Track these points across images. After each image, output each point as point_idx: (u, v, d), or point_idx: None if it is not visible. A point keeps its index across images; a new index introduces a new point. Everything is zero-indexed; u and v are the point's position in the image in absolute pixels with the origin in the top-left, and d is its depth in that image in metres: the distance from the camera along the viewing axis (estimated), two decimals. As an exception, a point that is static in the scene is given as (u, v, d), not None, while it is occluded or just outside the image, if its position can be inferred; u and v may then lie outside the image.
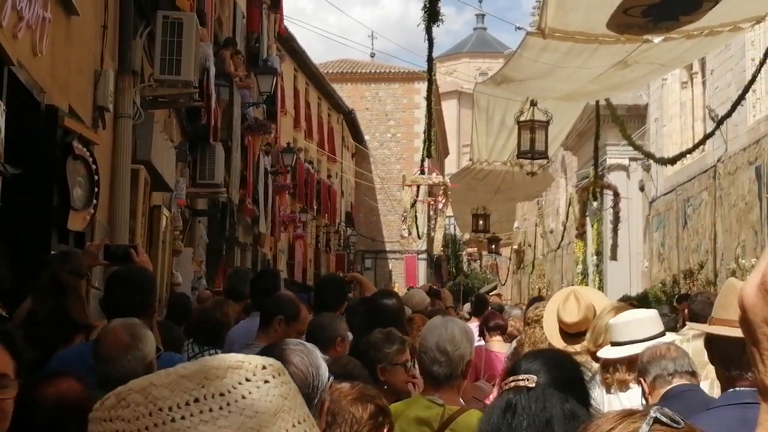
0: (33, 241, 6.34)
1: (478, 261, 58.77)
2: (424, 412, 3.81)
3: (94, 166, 7.03)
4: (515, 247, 42.75)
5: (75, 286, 4.71)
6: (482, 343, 8.55)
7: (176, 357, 4.52)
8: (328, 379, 2.56)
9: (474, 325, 10.62)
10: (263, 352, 2.44)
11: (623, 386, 4.42)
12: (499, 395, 2.61)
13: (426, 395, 3.95)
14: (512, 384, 2.56)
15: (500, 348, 8.20)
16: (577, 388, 2.62)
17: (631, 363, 4.26)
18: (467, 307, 16.93)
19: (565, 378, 2.60)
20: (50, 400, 2.86)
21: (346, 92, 43.16)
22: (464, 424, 3.77)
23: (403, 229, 26.56)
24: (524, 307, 9.46)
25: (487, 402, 7.34)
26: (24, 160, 5.92)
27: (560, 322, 5.38)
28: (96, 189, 7.06)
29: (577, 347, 5.11)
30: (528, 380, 2.52)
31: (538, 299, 7.22)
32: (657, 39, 10.54)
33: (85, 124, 7.56)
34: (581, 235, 24.68)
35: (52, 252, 6.13)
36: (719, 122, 15.59)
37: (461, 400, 4.15)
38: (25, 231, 6.15)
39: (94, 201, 7.06)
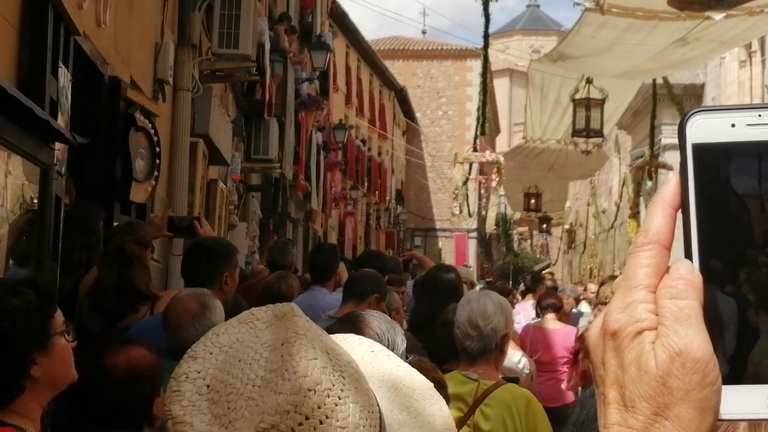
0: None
1: (529, 240, 58.61)
2: (459, 388, 3.77)
3: (155, 138, 7.07)
4: (566, 226, 42.46)
5: (140, 256, 4.75)
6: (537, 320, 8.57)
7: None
8: (407, 356, 2.56)
9: (530, 303, 10.60)
10: (345, 318, 2.45)
11: None
12: None
13: (461, 370, 3.92)
14: None
15: (554, 325, 8.18)
16: None
17: None
18: (520, 286, 16.91)
19: None
20: (121, 366, 2.90)
21: (397, 69, 43.06)
22: (499, 399, 3.74)
23: (454, 207, 26.49)
24: (589, 287, 9.41)
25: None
26: (88, 130, 5.97)
27: None
28: (157, 161, 7.10)
29: None
30: None
31: (612, 278, 7.16)
32: (718, 16, 10.38)
33: (146, 96, 7.61)
34: (635, 215, 24.42)
35: (115, 223, 6.19)
36: (780, 101, 15.32)
37: (498, 375, 4.11)
38: (82, 198, 6.20)
39: (156, 173, 7.10)
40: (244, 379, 1.06)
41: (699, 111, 0.75)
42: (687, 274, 0.73)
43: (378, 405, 1.13)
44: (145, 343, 3.14)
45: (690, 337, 0.71)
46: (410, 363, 3.00)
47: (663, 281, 0.73)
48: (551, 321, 8.34)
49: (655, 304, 0.73)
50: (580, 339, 6.64)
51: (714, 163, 0.73)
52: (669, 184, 0.76)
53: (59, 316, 2.57)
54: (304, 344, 1.06)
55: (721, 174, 0.74)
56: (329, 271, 6.38)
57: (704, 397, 0.70)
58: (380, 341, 2.49)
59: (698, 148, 0.74)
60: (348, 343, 1.31)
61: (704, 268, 0.73)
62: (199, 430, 1.06)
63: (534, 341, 8.07)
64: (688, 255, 0.74)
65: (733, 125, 0.74)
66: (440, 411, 1.29)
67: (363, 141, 33.56)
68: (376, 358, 1.31)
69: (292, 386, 1.02)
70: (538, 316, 8.85)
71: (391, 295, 5.65)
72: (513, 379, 4.77)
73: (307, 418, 1.03)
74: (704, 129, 0.74)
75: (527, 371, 6.13)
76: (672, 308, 0.72)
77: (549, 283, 12.96)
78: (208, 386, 1.08)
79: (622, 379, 0.72)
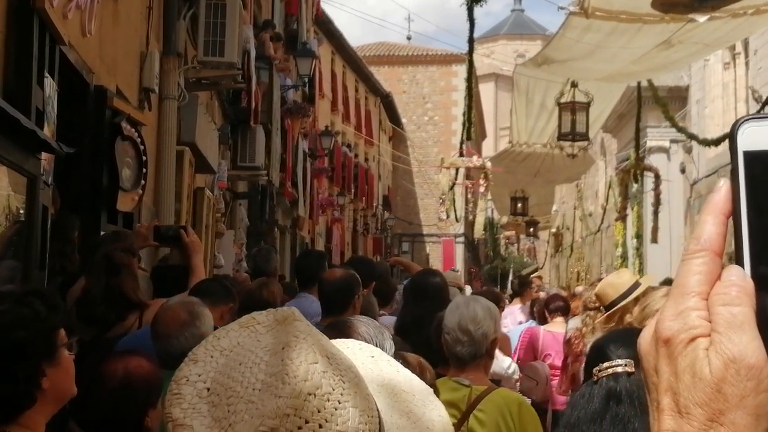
0: (83, 221, 6.38)
1: (516, 244, 58.69)
2: (451, 395, 3.75)
3: (142, 147, 7.06)
4: (553, 230, 42.59)
5: (128, 265, 4.74)
6: (531, 323, 8.53)
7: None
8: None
9: (517, 307, 10.61)
10: (333, 324, 2.45)
11: None
12: (594, 383, 2.55)
13: (452, 377, 3.91)
14: (610, 371, 2.50)
15: (561, 329, 8.10)
16: None
17: None
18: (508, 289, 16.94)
19: None
20: (118, 375, 2.90)
21: (383, 75, 43.07)
22: (492, 404, 3.75)
23: (441, 212, 26.53)
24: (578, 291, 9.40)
25: (533, 380, 7.34)
26: (74, 140, 5.96)
27: None
28: (144, 170, 7.09)
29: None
30: (626, 365, 2.48)
31: (599, 280, 7.14)
32: (702, 18, 10.44)
33: (132, 105, 7.60)
34: (623, 218, 24.53)
35: (102, 232, 6.18)
36: (764, 103, 15.41)
37: (489, 380, 4.12)
38: (76, 211, 6.19)
39: (142, 182, 7.09)
40: (244, 382, 1.07)
41: (750, 118, 0.76)
42: (739, 280, 0.73)
43: (378, 409, 1.14)
44: (146, 354, 3.15)
45: (744, 343, 0.71)
46: (411, 360, 3.00)
47: (715, 288, 0.74)
48: (559, 324, 8.25)
49: (707, 311, 0.74)
50: (568, 343, 6.65)
51: (765, 170, 0.74)
52: (720, 191, 0.76)
53: (62, 329, 2.57)
54: (305, 348, 1.07)
55: None
56: (316, 278, 6.34)
57: (759, 403, 0.70)
58: (368, 346, 2.50)
59: (749, 155, 0.74)
60: (348, 348, 1.32)
61: (755, 275, 0.74)
62: None
63: (545, 345, 8.00)
64: (739, 261, 0.74)
65: None
66: (439, 416, 1.30)
67: (349, 147, 33.55)
68: (376, 363, 1.32)
69: (292, 390, 1.03)
70: (534, 318, 8.84)
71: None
72: (496, 381, 4.78)
73: (306, 422, 1.03)
74: (755, 136, 0.75)
75: (516, 376, 6.14)
76: (725, 315, 0.72)
77: (536, 289, 12.99)
78: (208, 389, 1.08)
79: (676, 386, 0.73)
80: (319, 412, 1.04)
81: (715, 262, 0.75)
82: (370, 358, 1.33)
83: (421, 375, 2.92)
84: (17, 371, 2.36)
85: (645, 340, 0.77)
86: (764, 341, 0.72)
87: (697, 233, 0.76)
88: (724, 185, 0.76)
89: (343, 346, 1.31)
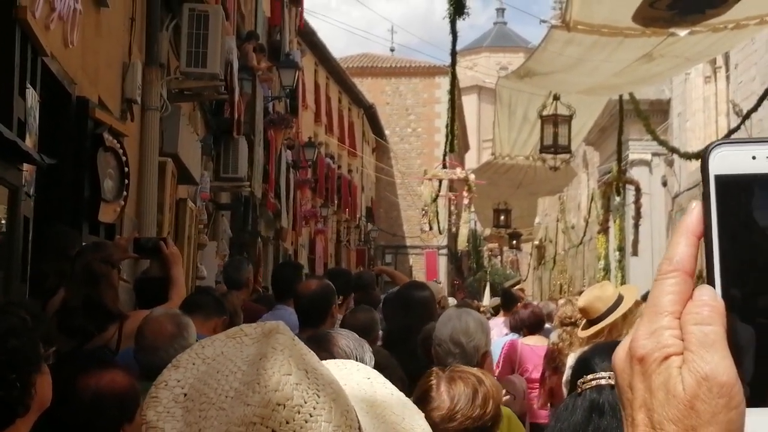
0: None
1: (499, 257, 58.72)
2: None
3: (124, 158, 7.06)
4: (536, 242, 42.67)
5: (107, 275, 4.71)
6: (513, 336, 8.48)
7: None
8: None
9: (501, 320, 10.60)
10: (313, 337, 2.46)
11: None
12: (577, 395, 2.56)
13: None
14: (593, 383, 2.52)
15: (539, 342, 8.02)
16: None
17: None
18: (492, 301, 16.90)
19: None
20: (89, 391, 2.89)
21: (366, 87, 43.15)
22: None
23: (424, 224, 26.50)
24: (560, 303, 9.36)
25: (510, 395, 7.33)
26: (56, 151, 5.95)
27: None
28: (126, 181, 7.08)
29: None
30: (610, 377, 2.48)
31: (579, 293, 7.10)
32: (683, 32, 10.51)
33: (114, 116, 7.60)
34: (604, 230, 24.60)
35: (84, 243, 6.15)
36: (745, 117, 15.50)
37: None
38: (57, 222, 6.17)
39: (125, 193, 7.08)
40: (218, 389, 1.08)
41: (721, 143, 0.78)
42: (711, 300, 0.76)
43: (359, 428, 1.14)
44: (122, 367, 3.13)
45: (716, 362, 0.73)
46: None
47: (688, 307, 0.76)
48: (537, 338, 8.15)
49: (680, 330, 0.76)
50: (548, 357, 6.65)
51: (736, 194, 0.77)
52: (692, 213, 0.79)
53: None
54: (280, 359, 1.08)
55: (742, 205, 0.77)
56: (292, 289, 6.29)
57: (730, 419, 0.73)
58: (348, 359, 2.50)
59: (720, 180, 0.77)
60: (345, 368, 1.33)
61: (725, 296, 0.76)
62: None
63: (523, 359, 7.92)
64: (710, 282, 0.76)
65: (754, 157, 0.77)
66: None
67: (332, 158, 33.56)
68: (372, 385, 1.33)
69: (261, 399, 1.04)
70: (514, 331, 8.81)
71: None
72: None
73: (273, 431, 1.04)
74: (726, 161, 0.77)
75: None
76: (698, 334, 0.74)
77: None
78: (185, 395, 1.09)
79: (651, 402, 0.75)
80: (287, 423, 1.04)
81: (687, 282, 0.77)
82: (366, 380, 1.35)
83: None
84: (14, 379, 2.36)
85: (620, 357, 0.79)
86: (735, 360, 0.74)
87: (670, 254, 0.78)
88: (696, 207, 0.78)
89: (342, 366, 1.34)
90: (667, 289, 0.77)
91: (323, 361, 1.28)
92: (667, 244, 0.80)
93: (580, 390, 2.55)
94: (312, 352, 1.18)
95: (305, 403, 1.06)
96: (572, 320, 6.08)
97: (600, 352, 2.68)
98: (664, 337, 0.75)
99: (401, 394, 1.36)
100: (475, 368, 3.35)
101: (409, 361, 4.44)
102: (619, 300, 5.38)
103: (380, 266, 16.70)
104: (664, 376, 0.74)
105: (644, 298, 10.04)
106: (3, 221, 4.99)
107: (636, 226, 22.71)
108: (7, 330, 2.40)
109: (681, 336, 0.75)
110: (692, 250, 0.78)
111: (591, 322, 5.38)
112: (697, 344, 0.74)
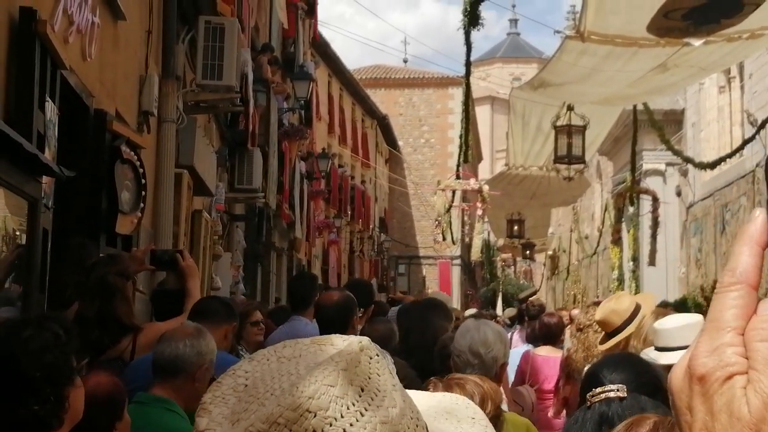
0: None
1: (513, 267, 58.64)
2: None
3: (141, 170, 7.09)
4: (550, 252, 42.58)
5: (121, 288, 4.74)
6: (528, 347, 8.46)
7: (229, 358, 4.55)
8: None
9: (517, 332, 10.59)
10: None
11: None
12: (587, 408, 2.56)
13: None
14: (602, 396, 2.52)
15: (548, 353, 7.99)
16: (663, 391, 2.60)
17: None
18: (507, 312, 16.89)
19: (651, 383, 2.58)
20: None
21: (379, 98, 43.20)
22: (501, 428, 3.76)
23: (437, 234, 26.51)
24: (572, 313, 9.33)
25: (519, 406, 7.31)
26: (74, 163, 5.98)
27: None
28: (143, 193, 7.11)
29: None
30: (619, 390, 2.50)
31: (595, 304, 7.06)
32: (697, 42, 10.48)
33: (131, 128, 7.64)
34: (617, 240, 24.55)
35: (101, 255, 6.18)
36: (760, 126, 15.47)
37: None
38: (75, 234, 6.20)
39: (141, 205, 7.10)
40: (270, 386, 1.09)
41: None
42: None
43: None
44: (105, 370, 3.19)
45: None
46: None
47: (751, 323, 0.71)
48: (549, 348, 8.09)
49: (744, 347, 0.70)
50: (562, 366, 6.63)
51: None
52: (756, 221, 0.74)
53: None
54: (329, 370, 1.08)
55: None
56: (309, 300, 6.31)
57: None
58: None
59: None
60: (457, 404, 1.37)
61: None
62: (213, 419, 1.09)
63: (534, 370, 7.87)
64: None
65: None
66: None
67: (345, 169, 33.60)
68: (474, 425, 1.37)
69: (292, 402, 1.04)
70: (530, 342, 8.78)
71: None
72: None
73: None
74: None
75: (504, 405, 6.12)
76: (764, 351, 0.69)
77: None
78: (246, 386, 1.11)
79: (712, 426, 0.70)
80: (314, 431, 1.05)
81: (751, 296, 0.72)
82: (470, 419, 1.37)
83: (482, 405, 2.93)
84: (49, 394, 2.39)
85: (677, 376, 0.73)
86: None
87: (732, 265, 0.73)
88: (760, 215, 0.74)
89: (454, 399, 1.38)
90: (729, 302, 0.71)
91: (439, 393, 1.31)
92: (729, 254, 0.74)
93: (589, 403, 2.55)
94: (393, 375, 1.17)
95: (341, 417, 1.06)
96: (580, 327, 6.07)
97: (608, 365, 2.68)
98: (727, 355, 0.70)
99: None
100: (476, 375, 3.37)
101: (426, 372, 4.45)
102: (636, 311, 5.37)
103: (401, 294, 16.76)
104: (727, 397, 0.69)
105: (662, 305, 9.99)
106: (23, 233, 5.02)
107: (654, 236, 22.64)
108: (42, 346, 2.43)
109: (745, 354, 0.70)
110: (756, 261, 0.72)
111: (609, 335, 5.37)
112: (764, 362, 0.68)
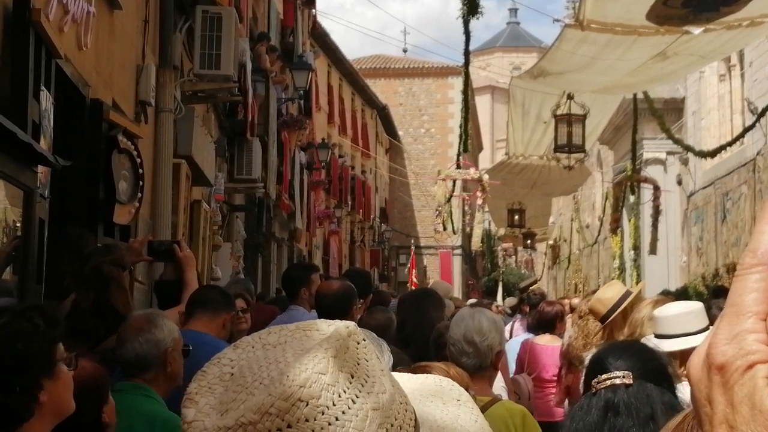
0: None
1: (514, 256, 58.68)
2: None
3: (138, 160, 7.06)
4: (551, 242, 42.60)
5: (117, 278, 4.72)
6: (529, 336, 8.44)
7: (224, 347, 4.53)
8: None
9: (518, 321, 10.58)
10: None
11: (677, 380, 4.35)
12: (592, 394, 2.56)
13: None
14: (608, 383, 2.52)
15: (548, 341, 7.95)
16: (668, 378, 2.60)
17: (684, 356, 4.10)
18: (509, 301, 16.89)
19: (656, 370, 2.57)
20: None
21: (379, 88, 43.13)
22: (496, 415, 3.74)
23: (438, 224, 26.49)
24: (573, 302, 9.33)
25: (516, 394, 7.31)
26: (70, 153, 5.96)
27: None
28: (141, 183, 7.08)
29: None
30: (624, 377, 2.49)
31: (594, 292, 7.04)
32: (697, 30, 10.46)
33: (128, 118, 7.61)
34: (616, 229, 24.54)
35: (98, 245, 6.17)
36: (760, 115, 15.44)
37: (493, 391, 4.12)
38: (72, 224, 6.18)
39: (139, 195, 7.08)
40: (258, 375, 1.08)
41: None
42: None
43: None
44: (89, 357, 3.20)
45: None
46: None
47: None
48: (548, 337, 8.06)
49: (766, 333, 0.66)
50: (563, 355, 6.64)
51: None
52: None
53: (61, 344, 2.58)
54: (319, 357, 1.06)
55: None
56: (301, 289, 6.27)
57: None
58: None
59: None
60: (442, 386, 1.37)
61: None
62: (200, 410, 1.07)
63: (532, 358, 7.85)
64: None
65: None
66: None
67: (345, 159, 33.57)
68: (459, 407, 1.35)
69: (284, 392, 1.03)
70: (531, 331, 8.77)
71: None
72: None
73: (289, 426, 1.02)
74: None
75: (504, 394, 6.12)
76: None
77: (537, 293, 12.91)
78: (232, 374, 1.10)
79: (733, 418, 0.65)
80: (306, 420, 1.03)
81: None
82: (456, 401, 1.36)
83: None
84: (16, 384, 2.37)
85: (695, 365, 0.69)
86: None
87: (754, 245, 0.67)
88: None
89: (438, 381, 1.37)
90: (750, 286, 0.66)
91: (422, 375, 1.29)
92: (751, 234, 0.68)
93: (594, 390, 2.54)
94: (380, 360, 1.16)
95: (333, 405, 1.04)
96: (581, 315, 6.11)
97: (614, 351, 2.67)
98: (748, 342, 0.65)
99: (486, 423, 1.36)
100: (443, 362, 3.38)
101: (423, 361, 4.45)
102: (624, 298, 5.40)
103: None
104: (749, 387, 0.64)
105: (663, 294, 9.99)
106: (18, 224, 5.00)
107: (654, 224, 22.62)
108: (13, 334, 2.41)
109: (767, 341, 0.65)
110: None
111: (602, 323, 5.47)
112: None
